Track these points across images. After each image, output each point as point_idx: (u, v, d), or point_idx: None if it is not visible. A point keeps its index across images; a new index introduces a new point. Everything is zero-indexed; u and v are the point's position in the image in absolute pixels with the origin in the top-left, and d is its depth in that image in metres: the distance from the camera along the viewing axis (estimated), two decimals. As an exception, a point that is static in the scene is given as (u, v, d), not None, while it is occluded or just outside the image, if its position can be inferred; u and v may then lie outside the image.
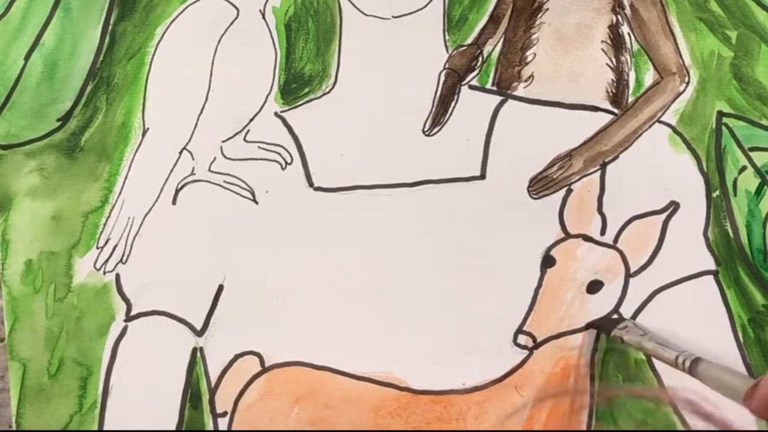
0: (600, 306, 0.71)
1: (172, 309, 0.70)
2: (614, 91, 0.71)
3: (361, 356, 0.71)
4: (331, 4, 0.70)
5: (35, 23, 0.67)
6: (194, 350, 0.70)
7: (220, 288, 0.70)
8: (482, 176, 0.71)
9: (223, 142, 0.70)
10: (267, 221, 0.70)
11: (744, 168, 0.71)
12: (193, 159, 0.70)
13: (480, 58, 0.71)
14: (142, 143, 0.69)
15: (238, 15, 0.69)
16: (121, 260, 0.69)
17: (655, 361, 0.71)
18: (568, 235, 0.71)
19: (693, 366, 0.60)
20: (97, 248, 0.69)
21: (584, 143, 0.71)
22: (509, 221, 0.71)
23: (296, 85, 0.70)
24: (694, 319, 0.71)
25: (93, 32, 0.68)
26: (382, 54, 0.70)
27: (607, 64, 0.71)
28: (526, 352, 0.71)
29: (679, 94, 0.71)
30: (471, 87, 0.71)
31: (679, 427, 0.71)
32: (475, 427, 0.71)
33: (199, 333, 0.70)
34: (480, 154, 0.71)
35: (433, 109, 0.70)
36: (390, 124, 0.70)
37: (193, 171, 0.70)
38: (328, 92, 0.70)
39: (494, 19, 0.71)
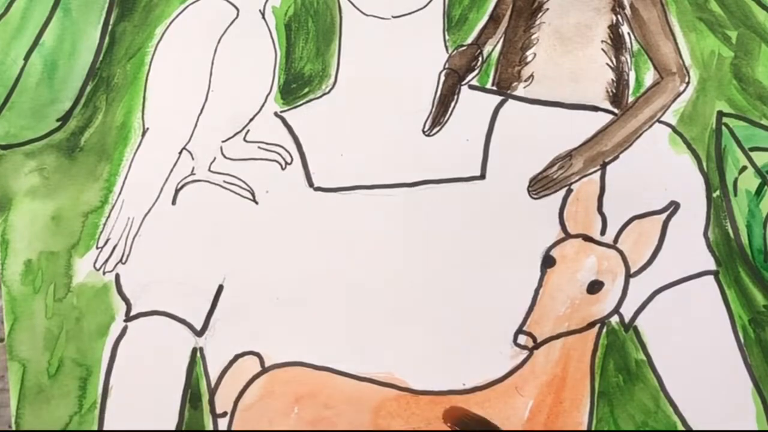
0: (600, 306, 0.71)
1: (171, 309, 0.70)
2: (614, 91, 0.71)
3: (361, 357, 0.71)
4: (331, 4, 0.70)
5: (35, 23, 0.68)
6: (194, 350, 0.70)
7: (220, 288, 0.70)
8: (482, 176, 0.71)
9: (223, 142, 0.70)
10: (267, 221, 0.70)
11: (744, 168, 0.71)
12: (192, 159, 0.70)
13: (480, 58, 0.71)
14: (141, 143, 0.69)
15: (237, 15, 0.69)
16: (120, 260, 0.69)
17: (656, 361, 0.71)
18: (568, 235, 0.71)
19: None
20: (97, 248, 0.69)
21: (584, 143, 0.71)
22: (509, 221, 0.71)
23: (296, 85, 0.70)
24: (694, 319, 0.71)
25: (93, 32, 0.68)
26: (382, 54, 0.70)
27: (607, 64, 0.71)
28: (526, 353, 0.71)
29: (679, 94, 0.71)
30: (471, 87, 0.71)
31: (680, 427, 0.71)
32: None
33: (199, 333, 0.70)
34: (480, 154, 0.71)
35: (433, 109, 0.70)
36: (390, 124, 0.70)
37: (192, 171, 0.70)
38: (328, 92, 0.70)
39: (494, 19, 0.71)
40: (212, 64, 0.69)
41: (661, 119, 0.71)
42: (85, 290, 0.69)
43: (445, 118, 0.70)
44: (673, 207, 0.71)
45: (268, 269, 0.70)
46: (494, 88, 0.71)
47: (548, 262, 0.71)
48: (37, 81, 0.68)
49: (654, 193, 0.71)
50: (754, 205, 0.71)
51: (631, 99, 0.71)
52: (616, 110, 0.71)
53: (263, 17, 0.70)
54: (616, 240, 0.71)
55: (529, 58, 0.71)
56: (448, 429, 0.71)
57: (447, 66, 0.70)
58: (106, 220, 0.69)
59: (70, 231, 0.69)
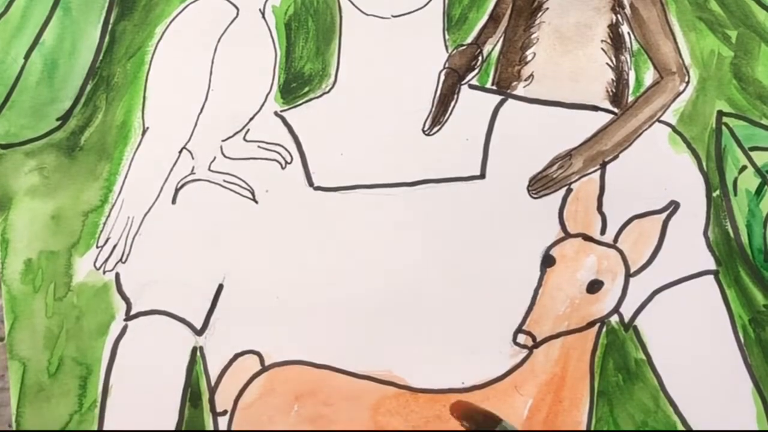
0: (600, 306, 0.71)
1: (171, 308, 0.70)
2: (614, 90, 0.71)
3: (360, 355, 0.71)
4: (331, 3, 0.70)
5: (35, 22, 0.68)
6: (194, 349, 0.70)
7: (220, 287, 0.70)
8: (482, 176, 0.71)
9: (223, 141, 0.70)
10: (267, 221, 0.70)
11: (744, 168, 0.71)
12: (192, 158, 0.70)
13: (480, 58, 0.71)
14: (141, 142, 0.69)
15: (237, 14, 0.69)
16: (120, 259, 0.69)
17: (656, 361, 0.71)
18: (568, 235, 0.71)
19: None
20: (97, 247, 0.69)
21: (584, 143, 0.71)
22: (509, 221, 0.71)
23: (296, 84, 0.70)
24: (694, 319, 0.71)
25: (93, 31, 0.68)
26: (382, 53, 0.70)
27: (607, 64, 0.71)
28: (525, 352, 0.71)
29: (679, 94, 0.71)
30: (471, 86, 0.71)
31: (680, 427, 0.71)
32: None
33: (199, 332, 0.70)
34: (480, 153, 0.71)
35: (433, 109, 0.70)
36: (390, 124, 0.70)
37: (192, 170, 0.70)
38: (328, 92, 0.70)
39: (494, 19, 0.71)
40: (212, 63, 0.69)
41: (661, 119, 0.71)
42: (86, 289, 0.69)
43: (445, 118, 0.70)
44: (673, 207, 0.71)
45: (268, 269, 0.70)
46: (494, 87, 0.71)
47: (548, 261, 0.71)
48: (37, 80, 0.68)
49: (654, 192, 0.71)
50: (754, 205, 0.71)
51: (631, 98, 0.71)
52: (616, 110, 0.71)
53: (263, 17, 0.70)
54: (615, 239, 0.71)
55: (528, 58, 0.71)
56: (447, 429, 0.71)
57: (447, 65, 0.70)
58: (106, 219, 0.69)
59: (70, 230, 0.69)
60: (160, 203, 0.69)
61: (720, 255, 0.71)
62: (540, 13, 0.70)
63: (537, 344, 0.71)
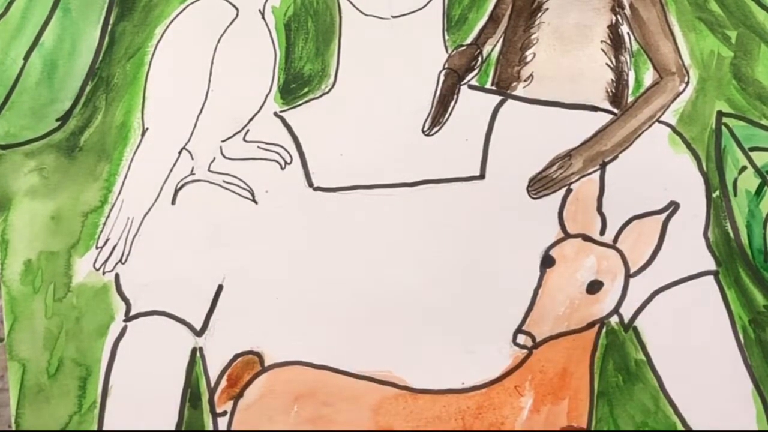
0: (600, 306, 0.71)
1: (171, 309, 0.70)
2: (614, 91, 0.71)
3: (360, 355, 0.71)
4: (331, 3, 0.70)
5: (34, 23, 0.68)
6: (194, 350, 0.70)
7: (220, 288, 0.70)
8: (482, 176, 0.71)
9: (223, 141, 0.70)
10: (267, 221, 0.70)
11: (744, 168, 0.71)
12: (192, 159, 0.70)
13: (479, 58, 0.71)
14: (141, 143, 0.69)
15: (237, 15, 0.69)
16: (120, 260, 0.69)
17: (656, 361, 0.71)
18: (567, 235, 0.71)
19: None
20: (97, 248, 0.69)
21: (584, 143, 0.71)
22: (509, 221, 0.71)
23: (296, 84, 0.70)
24: (694, 319, 0.71)
25: (92, 32, 0.68)
26: (382, 54, 0.70)
27: (607, 64, 0.71)
28: (525, 352, 0.71)
29: (679, 94, 0.71)
30: (470, 87, 0.71)
31: (680, 427, 0.71)
32: (474, 426, 0.71)
33: (199, 333, 0.70)
34: (479, 153, 0.71)
35: (433, 109, 0.70)
36: (390, 124, 0.70)
37: (192, 171, 0.70)
38: (328, 92, 0.70)
39: (494, 19, 0.71)
40: (212, 64, 0.69)
41: (661, 119, 0.71)
42: (85, 290, 0.69)
43: (445, 118, 0.70)
44: (673, 207, 0.71)
45: (268, 269, 0.70)
46: (494, 88, 0.71)
47: (548, 261, 0.71)
48: (36, 81, 0.68)
49: (654, 193, 0.71)
50: (754, 205, 0.71)
51: (630, 99, 0.71)
52: (615, 110, 0.71)
53: (263, 17, 0.70)
54: (615, 240, 0.71)
55: (528, 58, 0.71)
56: (448, 428, 0.71)
57: (446, 66, 0.70)
58: (106, 219, 0.69)
59: (70, 231, 0.69)
60: (160, 204, 0.69)
61: (720, 255, 0.71)
62: (540, 14, 0.70)
63: (537, 344, 0.71)
